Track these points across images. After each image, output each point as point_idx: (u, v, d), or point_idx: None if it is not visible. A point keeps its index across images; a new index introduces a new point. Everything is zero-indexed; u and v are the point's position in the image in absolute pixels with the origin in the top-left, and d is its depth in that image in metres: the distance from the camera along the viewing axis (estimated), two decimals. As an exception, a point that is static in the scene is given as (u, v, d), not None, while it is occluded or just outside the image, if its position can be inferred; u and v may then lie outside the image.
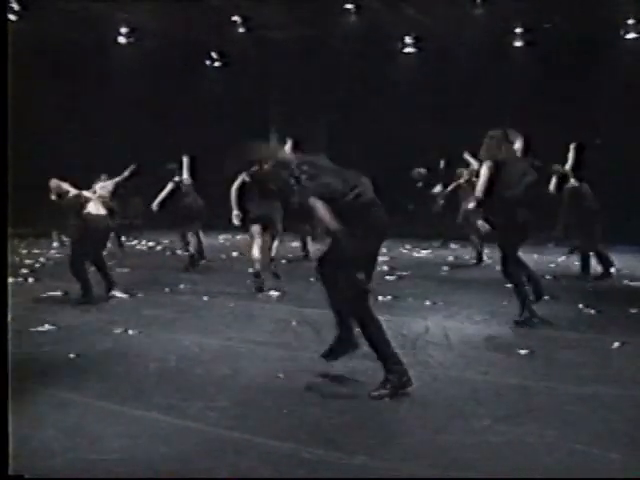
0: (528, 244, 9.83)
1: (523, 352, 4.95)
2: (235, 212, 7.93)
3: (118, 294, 7.25)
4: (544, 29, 13.29)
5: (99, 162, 12.57)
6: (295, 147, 8.05)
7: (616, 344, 5.13)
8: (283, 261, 9.75)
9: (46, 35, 13.36)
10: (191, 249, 9.79)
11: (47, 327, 5.68)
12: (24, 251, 11.58)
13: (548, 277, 8.80)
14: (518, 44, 14.17)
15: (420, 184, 12.73)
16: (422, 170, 12.75)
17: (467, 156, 9.19)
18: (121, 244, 12.26)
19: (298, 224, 10.60)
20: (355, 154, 14.05)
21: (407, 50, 15.10)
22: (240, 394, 4.04)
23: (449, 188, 11.31)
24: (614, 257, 8.94)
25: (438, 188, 12.43)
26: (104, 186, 10.95)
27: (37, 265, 9.73)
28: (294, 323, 5.96)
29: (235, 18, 13.89)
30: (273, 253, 8.28)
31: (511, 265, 5.84)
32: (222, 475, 2.99)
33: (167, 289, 7.73)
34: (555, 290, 7.63)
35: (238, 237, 11.08)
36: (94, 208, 7.22)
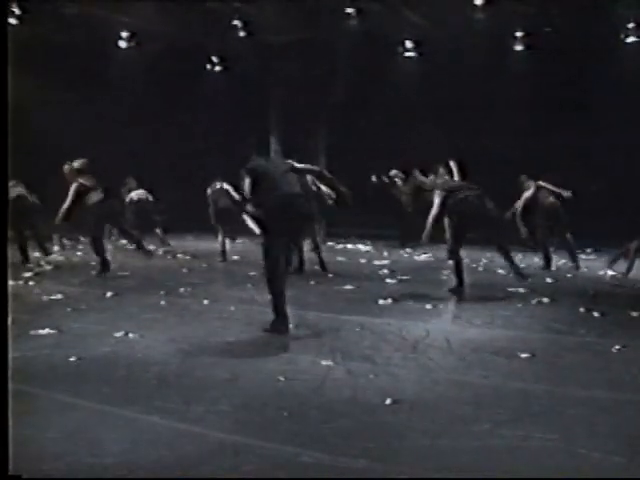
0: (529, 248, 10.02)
1: (524, 356, 4.94)
2: None
3: None
4: (545, 33, 13.29)
5: (98, 165, 12.54)
6: None
7: (617, 347, 5.13)
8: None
9: (46, 38, 13.36)
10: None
11: (47, 330, 5.67)
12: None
13: (549, 280, 8.81)
14: (519, 48, 14.16)
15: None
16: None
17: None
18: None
19: None
20: (354, 157, 14.08)
21: (408, 54, 15.10)
22: (241, 398, 4.03)
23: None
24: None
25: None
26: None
27: (38, 268, 9.72)
28: (294, 327, 5.94)
29: (235, 22, 13.90)
30: None
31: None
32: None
33: (168, 292, 7.72)
34: (556, 293, 7.65)
35: (238, 241, 11.08)
36: None
